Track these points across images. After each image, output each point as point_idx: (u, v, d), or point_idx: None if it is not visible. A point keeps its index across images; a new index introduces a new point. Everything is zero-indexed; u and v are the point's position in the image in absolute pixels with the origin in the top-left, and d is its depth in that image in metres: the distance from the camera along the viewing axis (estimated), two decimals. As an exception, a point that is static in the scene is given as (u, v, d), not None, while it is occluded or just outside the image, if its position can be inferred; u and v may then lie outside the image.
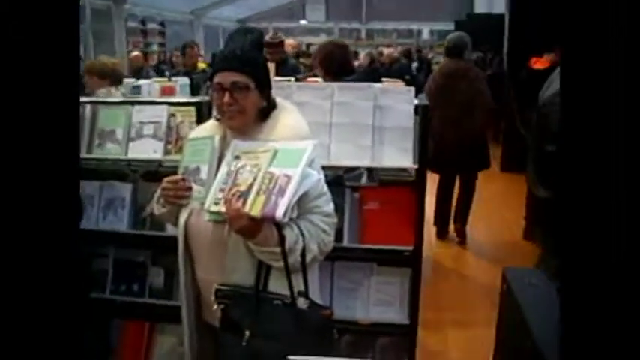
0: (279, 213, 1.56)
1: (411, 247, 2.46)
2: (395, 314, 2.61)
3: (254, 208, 1.60)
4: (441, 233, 5.13)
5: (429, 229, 4.90)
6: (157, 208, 1.96)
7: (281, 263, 1.70)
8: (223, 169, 1.76)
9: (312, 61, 3.99)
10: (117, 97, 3.12)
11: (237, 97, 1.73)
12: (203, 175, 1.80)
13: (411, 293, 2.58)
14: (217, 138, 1.83)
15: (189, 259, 1.90)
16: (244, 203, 1.62)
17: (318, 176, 1.69)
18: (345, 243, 2.46)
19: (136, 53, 9.05)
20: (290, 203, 1.57)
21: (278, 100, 1.90)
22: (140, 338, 2.83)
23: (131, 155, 2.67)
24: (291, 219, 1.68)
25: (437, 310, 3.73)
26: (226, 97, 1.73)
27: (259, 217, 1.60)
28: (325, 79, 3.41)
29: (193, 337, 1.94)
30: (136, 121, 2.65)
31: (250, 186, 1.64)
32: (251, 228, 1.63)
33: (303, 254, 1.74)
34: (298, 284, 1.77)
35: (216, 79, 1.76)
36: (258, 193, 1.61)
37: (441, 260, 4.68)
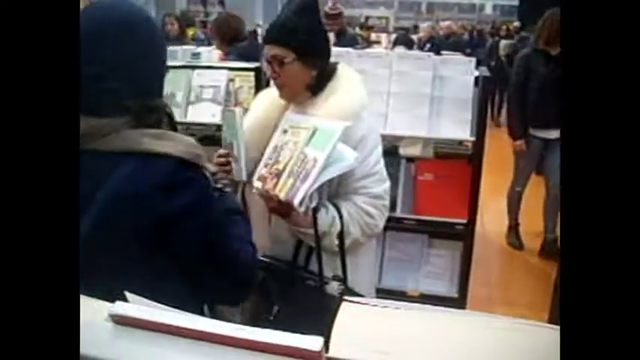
0: (295, 201, 1.52)
1: (464, 221, 2.44)
2: (444, 287, 2.61)
3: (283, 190, 1.56)
4: None
5: (483, 206, 4.83)
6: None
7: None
8: (272, 142, 1.71)
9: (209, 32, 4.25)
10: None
11: (277, 71, 1.66)
12: (235, 150, 1.72)
13: (462, 267, 2.56)
14: (238, 111, 1.72)
15: None
16: (277, 184, 1.58)
17: (352, 161, 1.56)
18: (398, 213, 2.46)
19: None
20: (308, 191, 1.51)
21: (340, 67, 1.77)
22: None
23: (190, 118, 2.73)
24: (331, 202, 1.67)
25: (486, 287, 3.69)
26: (269, 71, 1.68)
27: (284, 201, 1.56)
28: (221, 48, 3.69)
29: None
30: (196, 85, 2.71)
31: (286, 165, 1.60)
32: (282, 209, 1.60)
33: (341, 237, 1.68)
34: (335, 267, 1.72)
35: (264, 50, 1.70)
36: (289, 175, 1.57)
37: (495, 238, 4.61)
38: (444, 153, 2.53)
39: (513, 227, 4.47)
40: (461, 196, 2.41)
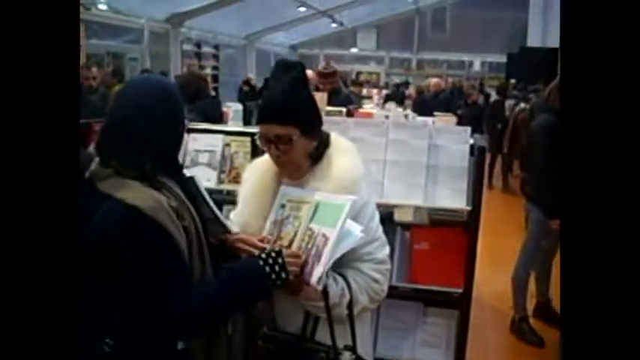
0: (313, 280, 1.53)
1: (460, 290, 2.41)
2: (440, 356, 2.55)
3: None
4: None
5: (481, 274, 4.79)
6: None
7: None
8: (271, 216, 1.71)
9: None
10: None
11: (283, 149, 1.65)
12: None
13: (458, 336, 2.52)
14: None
15: None
16: None
17: (360, 235, 1.59)
18: (393, 282, 2.43)
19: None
20: (325, 269, 1.53)
21: (333, 136, 1.80)
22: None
23: (185, 182, 2.71)
24: (337, 272, 1.66)
25: (483, 353, 3.63)
26: (272, 149, 1.67)
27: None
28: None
29: None
30: (192, 149, 2.70)
31: (291, 242, 1.61)
32: (294, 286, 1.60)
33: (350, 306, 1.68)
34: (345, 337, 1.70)
35: (261, 129, 1.68)
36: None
37: (490, 301, 4.55)
38: (440, 220, 2.52)
39: (523, 320, 3.97)
40: (457, 264, 2.39)
